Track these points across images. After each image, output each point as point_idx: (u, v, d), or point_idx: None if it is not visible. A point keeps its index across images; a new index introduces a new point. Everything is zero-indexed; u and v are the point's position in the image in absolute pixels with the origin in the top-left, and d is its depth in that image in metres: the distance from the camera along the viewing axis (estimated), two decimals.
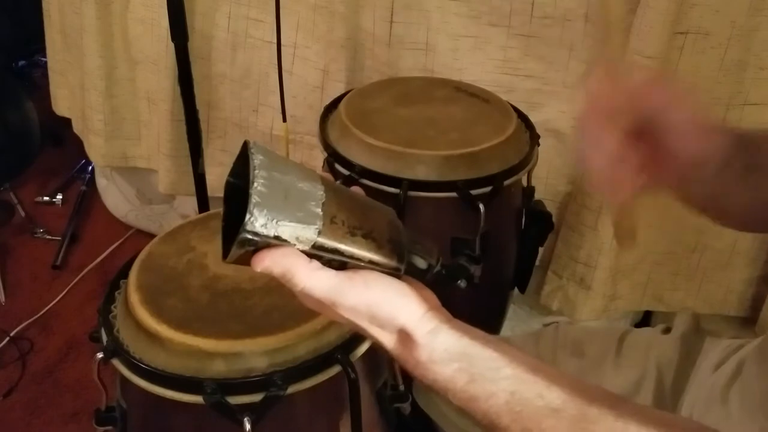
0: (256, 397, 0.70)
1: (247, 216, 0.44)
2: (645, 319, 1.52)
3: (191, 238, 0.86)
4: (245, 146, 0.48)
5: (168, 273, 0.81)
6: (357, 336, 0.74)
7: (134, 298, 0.77)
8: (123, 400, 0.81)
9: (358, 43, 1.35)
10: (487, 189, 0.99)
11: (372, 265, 0.51)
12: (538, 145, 1.09)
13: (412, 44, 1.32)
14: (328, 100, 1.18)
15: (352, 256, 0.50)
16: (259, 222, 0.45)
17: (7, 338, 1.56)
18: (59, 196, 2.00)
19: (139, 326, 0.74)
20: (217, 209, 0.94)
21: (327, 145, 1.06)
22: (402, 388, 0.85)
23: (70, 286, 1.71)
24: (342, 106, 1.11)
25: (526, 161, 1.05)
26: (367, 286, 0.50)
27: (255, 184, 0.45)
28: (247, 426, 0.69)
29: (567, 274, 1.39)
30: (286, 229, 0.46)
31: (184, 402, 0.70)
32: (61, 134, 2.11)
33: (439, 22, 1.29)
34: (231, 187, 0.50)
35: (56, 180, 2.05)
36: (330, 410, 0.80)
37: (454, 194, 0.98)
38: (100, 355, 0.75)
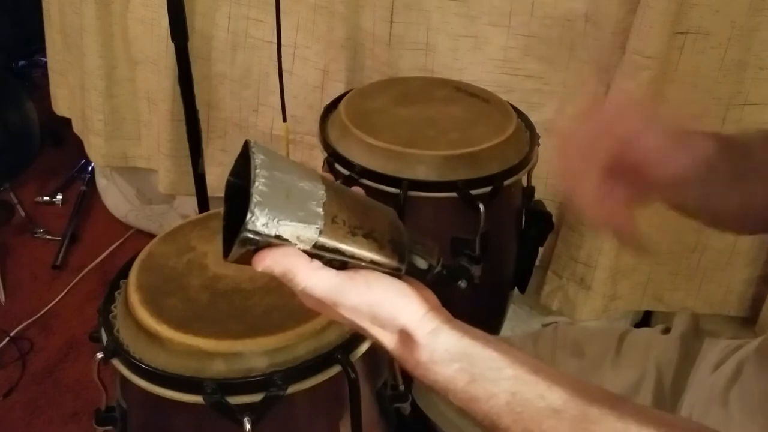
0: (256, 397, 0.70)
1: (249, 215, 0.44)
2: (645, 319, 1.52)
3: (191, 238, 0.86)
4: (246, 146, 0.48)
5: (168, 273, 0.81)
6: (357, 336, 0.74)
7: (134, 298, 0.77)
8: (123, 400, 0.81)
9: (358, 43, 1.35)
10: (487, 189, 0.99)
11: (373, 265, 0.51)
12: (538, 145, 1.09)
13: (412, 44, 1.32)
14: (328, 100, 1.18)
15: (353, 256, 0.50)
16: (260, 221, 0.45)
17: (7, 338, 1.56)
18: (59, 196, 2.00)
19: (139, 326, 0.74)
20: (217, 209, 0.94)
21: (327, 145, 1.06)
22: (402, 388, 0.85)
23: (70, 286, 1.72)
24: (342, 106, 1.11)
25: (526, 161, 1.05)
26: (368, 286, 0.50)
27: (256, 184, 0.45)
28: (247, 426, 0.69)
29: (567, 274, 1.39)
30: (288, 229, 0.46)
31: (184, 402, 0.70)
32: (61, 134, 2.11)
33: (439, 22, 1.29)
34: (232, 186, 0.50)
35: (56, 180, 2.05)
36: (330, 410, 0.80)
37: (454, 194, 0.98)
38: (100, 355, 0.75)
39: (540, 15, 1.24)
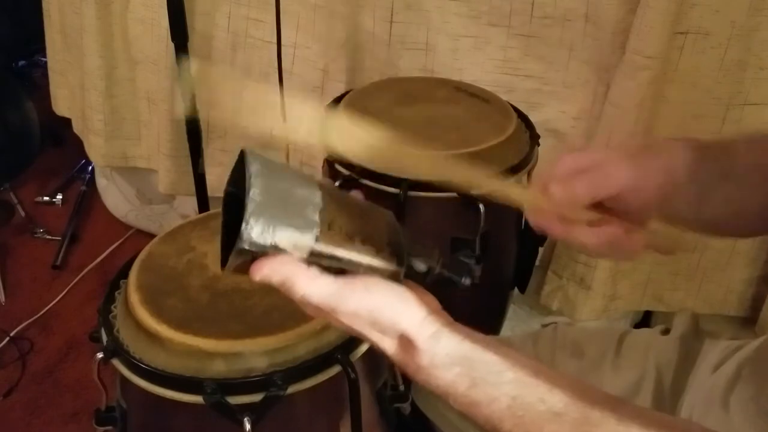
0: (256, 397, 0.70)
1: (244, 224, 0.44)
2: (645, 320, 1.52)
3: (191, 238, 0.86)
4: (242, 154, 0.48)
5: (168, 273, 0.81)
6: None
7: (134, 298, 0.77)
8: (123, 400, 0.81)
9: (358, 43, 1.35)
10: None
11: (371, 270, 0.51)
12: (538, 145, 1.09)
13: (412, 44, 1.32)
14: (328, 100, 1.18)
15: (351, 262, 0.50)
16: (255, 231, 0.45)
17: (7, 338, 1.56)
18: (59, 196, 2.00)
19: (139, 326, 0.74)
20: (217, 209, 0.94)
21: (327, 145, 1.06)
22: (402, 388, 0.85)
23: (70, 286, 1.71)
24: (342, 106, 1.11)
25: (526, 161, 1.04)
26: (367, 291, 0.50)
27: (251, 193, 0.45)
28: (247, 426, 0.69)
29: (567, 274, 1.39)
30: (284, 237, 0.46)
31: (184, 402, 0.70)
32: (61, 134, 2.11)
33: (439, 22, 1.29)
34: (229, 196, 0.50)
35: (56, 180, 2.05)
36: (330, 410, 0.80)
37: (454, 194, 0.98)
38: (100, 355, 0.75)
39: (540, 15, 1.23)
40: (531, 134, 1.10)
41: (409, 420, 0.90)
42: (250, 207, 0.44)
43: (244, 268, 0.48)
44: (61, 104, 1.85)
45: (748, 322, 1.40)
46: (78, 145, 1.80)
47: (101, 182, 1.90)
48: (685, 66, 1.16)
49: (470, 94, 1.15)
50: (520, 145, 1.07)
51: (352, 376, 0.73)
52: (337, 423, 0.80)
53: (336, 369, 0.73)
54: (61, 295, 1.69)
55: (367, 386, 0.82)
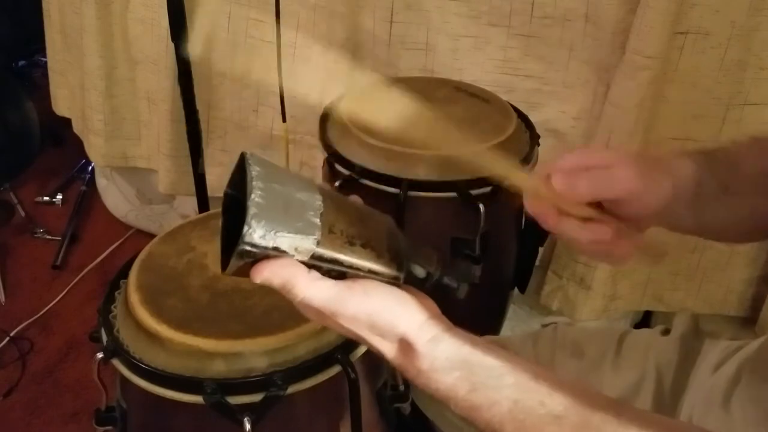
0: (256, 397, 0.70)
1: (245, 227, 0.44)
2: (645, 320, 1.52)
3: (191, 238, 0.86)
4: (242, 158, 0.48)
5: (168, 273, 0.81)
6: None
7: (134, 298, 0.77)
8: (123, 400, 0.81)
9: (358, 43, 1.35)
10: (487, 189, 0.99)
11: (371, 274, 0.51)
12: (538, 145, 1.09)
13: (412, 44, 1.32)
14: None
15: (351, 266, 0.50)
16: (257, 233, 0.45)
17: (7, 338, 1.56)
18: (59, 196, 2.00)
19: (139, 326, 0.74)
20: (217, 209, 0.94)
21: (327, 145, 1.06)
22: (402, 388, 0.85)
23: (70, 286, 1.71)
24: (342, 106, 1.11)
25: (526, 161, 1.05)
26: (367, 295, 0.50)
27: (252, 196, 0.45)
28: (247, 426, 0.69)
29: (567, 274, 1.39)
30: (285, 240, 0.46)
31: (184, 402, 0.70)
32: (61, 134, 2.11)
33: (439, 22, 1.29)
34: (229, 198, 0.50)
35: (56, 180, 2.05)
36: (330, 410, 0.80)
37: (454, 194, 0.98)
38: (100, 355, 0.75)
39: (540, 15, 1.23)
40: (531, 134, 1.10)
41: (409, 420, 0.90)
42: (252, 210, 0.45)
43: (245, 271, 0.48)
44: (61, 104, 1.85)
45: (748, 322, 1.40)
46: (78, 145, 1.80)
47: (101, 182, 1.90)
48: (685, 66, 1.16)
49: (470, 94, 1.15)
50: (520, 145, 1.07)
51: (352, 376, 0.73)
52: (337, 423, 0.80)
53: (336, 369, 0.73)
54: (61, 295, 1.69)
55: (367, 386, 0.82)
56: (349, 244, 0.49)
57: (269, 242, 0.45)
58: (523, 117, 1.13)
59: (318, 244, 0.47)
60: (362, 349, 0.75)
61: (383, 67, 1.35)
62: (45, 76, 1.91)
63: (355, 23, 1.33)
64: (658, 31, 1.10)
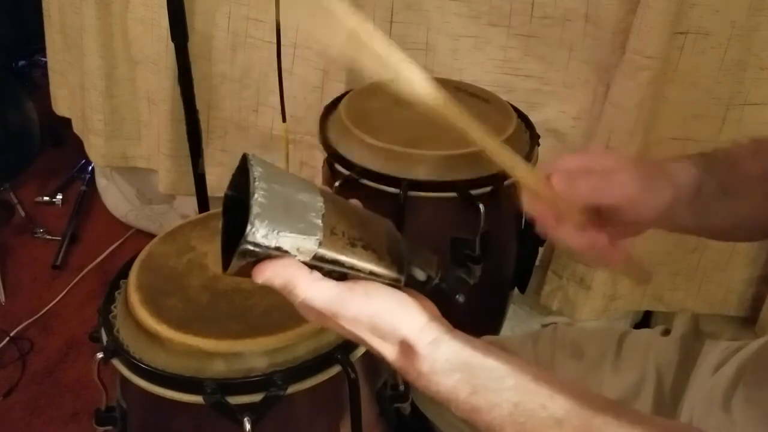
0: (256, 397, 0.70)
1: (249, 227, 0.44)
2: (645, 320, 1.52)
3: (191, 238, 0.86)
4: (244, 159, 0.48)
5: (168, 273, 0.81)
6: None
7: (134, 298, 0.77)
8: (123, 400, 0.81)
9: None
10: (487, 189, 0.99)
11: (372, 276, 0.51)
12: (538, 145, 1.09)
13: (412, 44, 1.32)
14: (328, 100, 1.18)
15: (352, 267, 0.50)
16: (260, 233, 0.45)
17: (7, 338, 1.56)
18: (59, 196, 2.00)
19: (139, 326, 0.74)
20: (217, 209, 0.94)
21: (327, 145, 1.06)
22: (402, 388, 0.85)
23: (70, 286, 1.71)
24: (342, 106, 1.11)
25: (526, 161, 1.04)
26: (368, 297, 0.50)
27: (256, 196, 0.45)
28: (247, 426, 0.69)
29: (567, 274, 1.39)
30: (287, 240, 0.46)
31: (184, 402, 0.70)
32: (61, 134, 2.11)
33: (439, 22, 1.29)
34: (230, 200, 0.50)
35: (56, 180, 2.05)
36: (330, 410, 0.80)
37: (454, 194, 0.98)
38: (100, 355, 0.75)
39: (540, 15, 1.23)
40: (531, 134, 1.10)
41: (409, 420, 0.90)
42: (255, 209, 0.45)
43: (246, 271, 0.48)
44: (61, 104, 1.85)
45: (748, 322, 1.40)
46: (78, 145, 1.80)
47: (101, 182, 1.90)
48: (685, 66, 1.16)
49: (470, 94, 1.15)
50: (520, 145, 1.07)
51: (352, 376, 0.73)
52: (337, 423, 0.80)
53: (336, 369, 0.73)
54: (61, 295, 1.69)
55: (367, 386, 0.82)
56: (351, 245, 0.49)
57: (272, 242, 0.45)
58: (523, 117, 1.13)
59: (320, 244, 0.48)
60: (362, 349, 0.75)
61: None
62: (45, 76, 1.91)
63: None
64: (658, 31, 1.10)
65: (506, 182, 1.01)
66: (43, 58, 2.01)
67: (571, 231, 0.55)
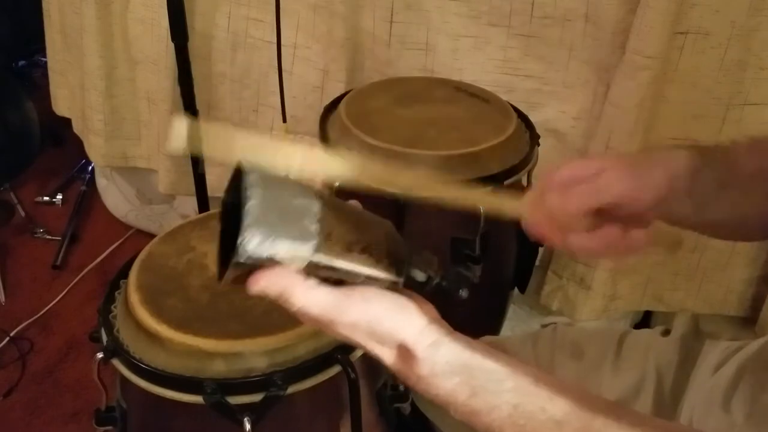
0: (256, 397, 0.70)
1: (240, 238, 0.44)
2: (645, 320, 1.52)
3: (191, 238, 0.86)
4: (238, 165, 0.47)
5: (168, 273, 0.81)
6: None
7: (134, 298, 0.77)
8: (123, 400, 0.81)
9: (358, 43, 1.35)
10: (487, 189, 0.99)
11: (370, 280, 0.50)
12: (538, 145, 1.09)
13: (412, 44, 1.32)
14: (328, 100, 1.18)
15: (349, 272, 0.49)
16: (252, 244, 0.44)
17: (7, 338, 1.56)
18: (59, 196, 2.00)
19: (139, 326, 0.74)
20: (217, 209, 0.94)
21: (327, 146, 1.06)
22: (402, 388, 0.85)
23: (70, 286, 1.71)
24: (342, 106, 1.11)
25: (526, 161, 1.05)
26: (366, 302, 0.50)
27: (248, 204, 0.44)
28: (247, 426, 0.69)
29: (567, 274, 1.39)
30: (281, 249, 0.45)
31: (184, 402, 0.70)
32: (61, 134, 2.11)
33: (439, 22, 1.29)
34: (227, 206, 0.50)
35: (56, 180, 2.05)
36: (330, 410, 0.80)
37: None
38: (100, 355, 0.75)
39: (540, 15, 1.23)
40: (531, 134, 1.10)
41: (409, 420, 0.90)
42: (246, 220, 0.44)
43: (242, 280, 0.47)
44: (61, 104, 1.85)
45: (748, 322, 1.40)
46: (78, 145, 1.80)
47: (101, 182, 1.90)
48: (685, 66, 1.16)
49: (470, 94, 1.15)
50: (520, 145, 1.07)
51: (352, 376, 0.73)
52: (337, 423, 0.80)
53: (336, 369, 0.73)
54: (61, 295, 1.69)
55: (367, 386, 0.82)
56: (348, 250, 0.48)
57: (264, 252, 0.45)
58: (523, 117, 1.13)
59: (315, 251, 0.47)
60: None
61: (383, 67, 1.35)
62: (45, 76, 1.91)
63: (355, 23, 1.33)
64: (658, 31, 1.10)
65: (506, 182, 1.01)
66: (43, 58, 2.00)
67: (582, 237, 0.55)
